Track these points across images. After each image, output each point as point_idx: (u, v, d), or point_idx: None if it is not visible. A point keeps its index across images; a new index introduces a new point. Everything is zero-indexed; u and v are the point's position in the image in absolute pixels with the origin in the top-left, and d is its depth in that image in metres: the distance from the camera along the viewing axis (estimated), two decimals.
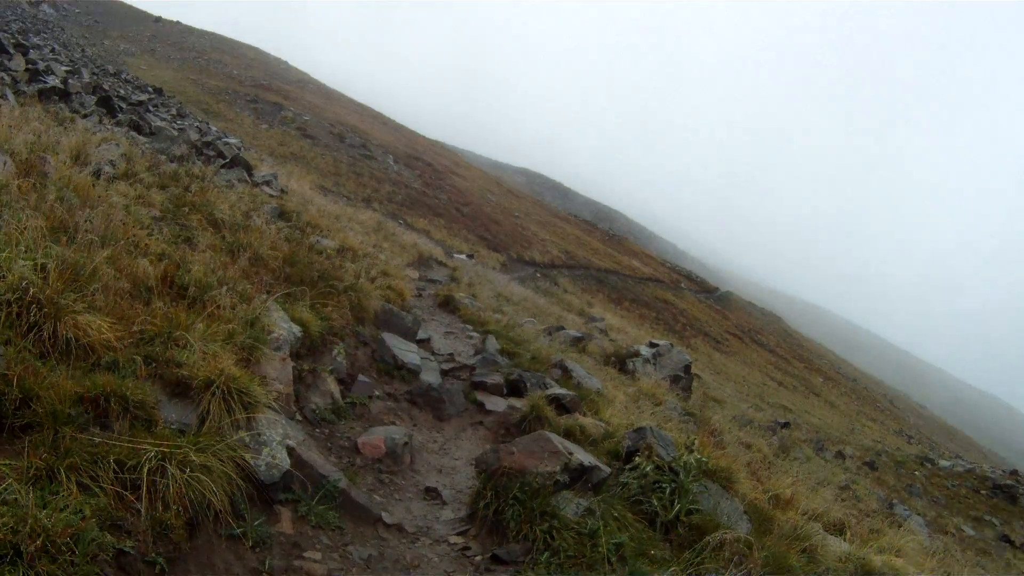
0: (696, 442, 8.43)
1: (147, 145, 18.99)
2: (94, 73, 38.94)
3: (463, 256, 40.01)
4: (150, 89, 44.13)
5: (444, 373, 12.53)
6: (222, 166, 22.17)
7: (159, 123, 26.09)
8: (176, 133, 24.13)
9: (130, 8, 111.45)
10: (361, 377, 10.14)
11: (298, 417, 8.12)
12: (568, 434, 9.21)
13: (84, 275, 6.49)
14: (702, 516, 7.33)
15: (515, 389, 11.76)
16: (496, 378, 11.79)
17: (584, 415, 10.61)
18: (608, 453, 8.85)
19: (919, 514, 23.76)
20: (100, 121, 20.93)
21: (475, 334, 15.99)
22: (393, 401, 10.34)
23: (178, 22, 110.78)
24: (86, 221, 7.80)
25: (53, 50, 41.39)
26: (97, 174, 11.50)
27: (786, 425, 27.76)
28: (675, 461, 7.84)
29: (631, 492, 7.58)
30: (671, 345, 22.42)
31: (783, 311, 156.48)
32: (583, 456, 7.73)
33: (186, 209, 11.99)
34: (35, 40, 43.30)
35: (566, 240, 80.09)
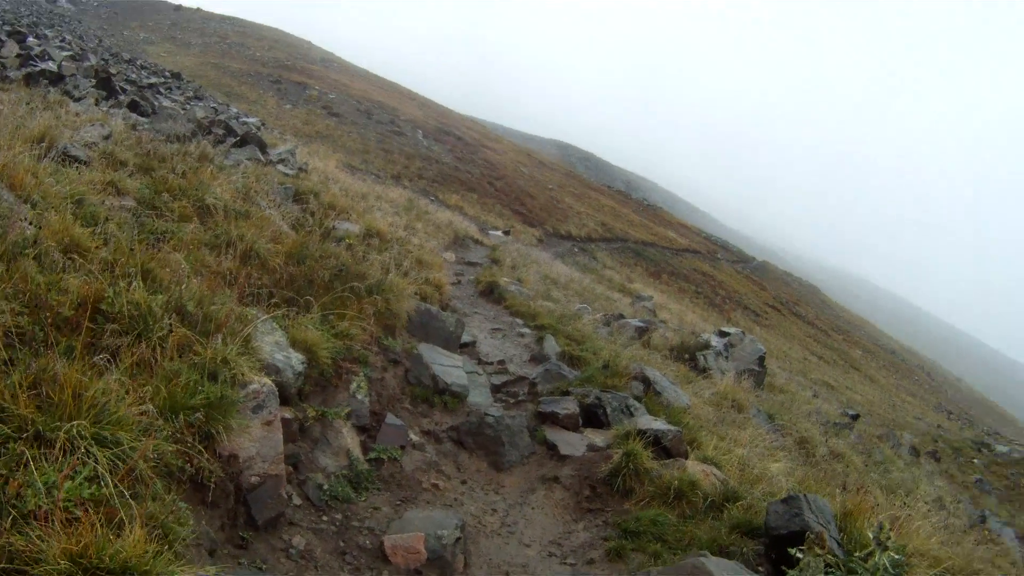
0: (887, 528, 5.66)
1: (146, 126, 16.92)
2: (104, 59, 37.43)
3: (499, 233, 38.48)
4: (167, 74, 43.85)
5: (496, 390, 10.10)
6: (233, 145, 20.27)
7: (166, 103, 24.21)
8: (182, 112, 21.98)
9: None
10: (389, 419, 7.60)
11: (296, 500, 5.59)
12: (679, 496, 6.77)
13: None
14: None
15: (592, 417, 9.20)
16: (568, 405, 9.13)
17: (687, 456, 8.09)
18: (737, 528, 6.35)
19: (1007, 525, 21.67)
20: (97, 103, 19.17)
21: (527, 330, 13.61)
22: (434, 443, 7.89)
23: (199, 9, 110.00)
24: None
25: (64, 39, 40.50)
26: (65, 158, 9.33)
27: (856, 417, 25.70)
28: (857, 563, 5.25)
29: None
30: (743, 334, 20.01)
31: (819, 281, 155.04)
32: None
33: (166, 196, 9.53)
34: (46, 32, 42.50)
35: (601, 212, 77.90)
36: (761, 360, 19.49)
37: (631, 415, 9.11)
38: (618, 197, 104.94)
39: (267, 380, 5.85)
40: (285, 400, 6.29)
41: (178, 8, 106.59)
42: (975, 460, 37.03)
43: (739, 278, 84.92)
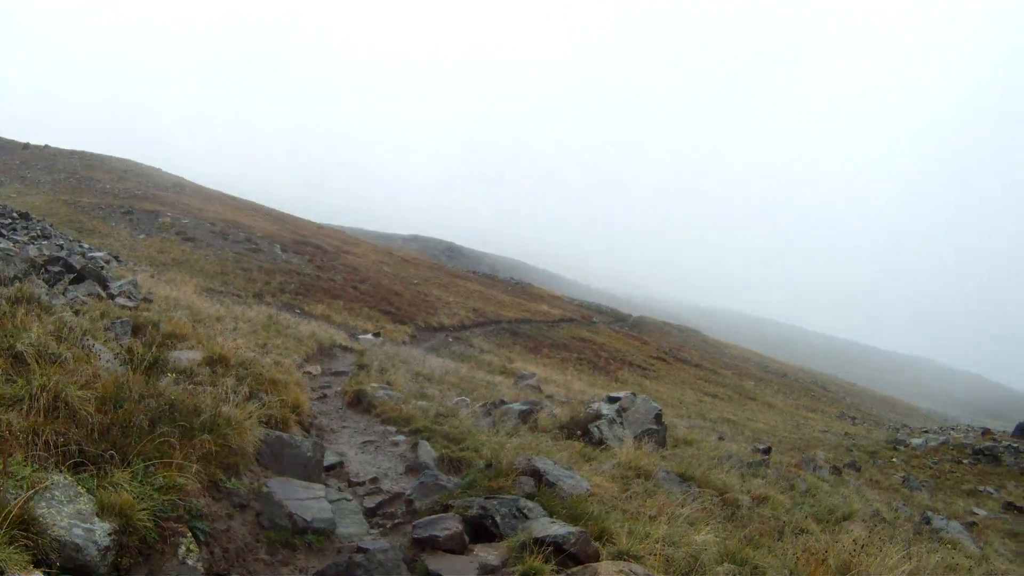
0: None
1: None
2: None
3: (369, 336, 38.02)
4: (14, 214, 42.32)
5: (371, 513, 8.97)
6: (71, 282, 19.18)
7: (2, 244, 22.90)
8: (14, 253, 20.77)
9: None
10: None
11: None
12: None
13: None
14: None
15: (481, 530, 7.95)
16: (449, 524, 7.76)
17: (599, 557, 7.06)
18: None
19: (949, 518, 21.87)
20: None
21: (401, 437, 12.61)
22: None
23: (47, 145, 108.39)
24: None
25: None
26: None
27: (768, 451, 25.22)
28: None
29: None
30: (633, 395, 19.18)
31: (698, 324, 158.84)
32: None
33: None
34: None
35: (471, 298, 78.02)
36: (658, 418, 18.69)
37: (525, 518, 7.99)
38: (485, 281, 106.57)
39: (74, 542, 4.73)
40: None
41: (26, 147, 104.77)
42: (894, 459, 37.93)
43: (619, 337, 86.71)
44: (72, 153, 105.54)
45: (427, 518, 8.02)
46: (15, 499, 4.95)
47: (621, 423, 17.38)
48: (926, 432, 49.43)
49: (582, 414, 17.57)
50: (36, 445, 6.21)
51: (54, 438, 6.37)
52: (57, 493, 5.47)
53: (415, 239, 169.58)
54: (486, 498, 8.42)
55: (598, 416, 17.14)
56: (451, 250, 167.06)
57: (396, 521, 8.64)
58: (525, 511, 8.13)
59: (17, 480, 5.36)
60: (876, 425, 64.16)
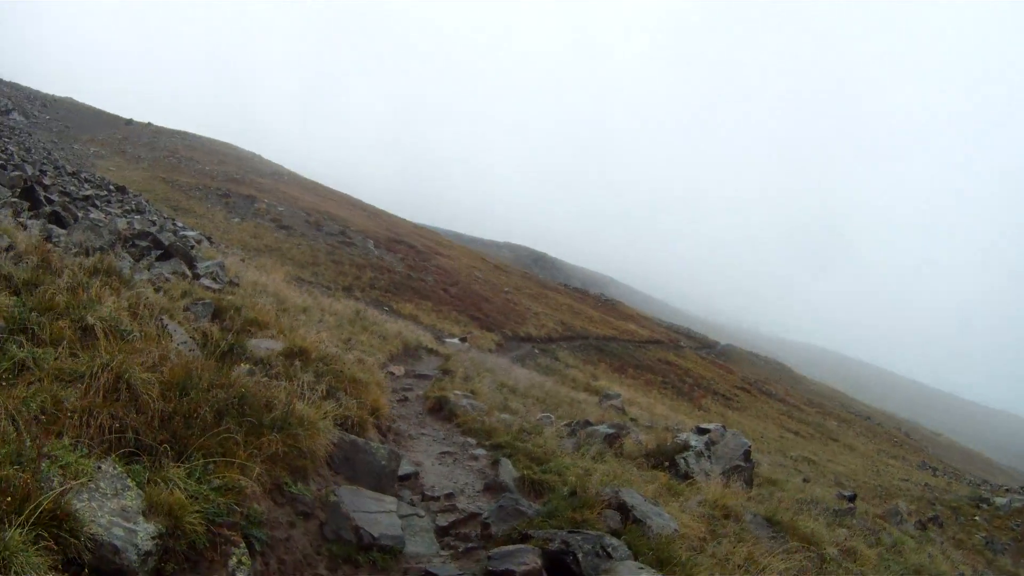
0: None
1: (62, 238, 15.98)
2: (42, 170, 36.50)
3: (455, 340, 37.59)
4: (111, 187, 43.36)
5: (443, 532, 8.33)
6: (157, 258, 19.09)
7: (96, 216, 22.81)
8: (103, 224, 20.56)
9: (101, 112, 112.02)
10: None
11: None
12: None
13: None
14: None
15: (560, 567, 7.22)
16: (528, 558, 7.07)
17: None
18: None
19: None
20: (16, 214, 17.90)
21: (481, 451, 11.97)
22: None
23: (149, 123, 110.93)
24: None
25: (6, 151, 39.76)
26: None
27: (853, 498, 24.31)
28: None
29: None
30: (723, 428, 18.33)
31: (785, 357, 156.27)
32: None
33: (36, 315, 7.87)
34: None
35: (560, 311, 77.54)
36: (747, 455, 17.81)
37: (609, 557, 7.29)
38: (575, 295, 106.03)
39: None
40: None
41: (129, 122, 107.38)
42: (976, 517, 36.42)
43: (705, 364, 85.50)
44: (174, 133, 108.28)
45: (504, 548, 7.33)
46: (51, 490, 4.42)
47: (709, 457, 16.60)
48: (1009, 491, 47.91)
49: (669, 443, 16.81)
50: (90, 428, 5.72)
51: (109, 422, 5.86)
52: (103, 484, 4.94)
53: (507, 246, 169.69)
54: (569, 531, 7.69)
55: (686, 447, 16.37)
56: (543, 261, 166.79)
57: (469, 545, 7.98)
58: (609, 550, 7.41)
59: (60, 466, 4.85)
60: (956, 478, 62.29)
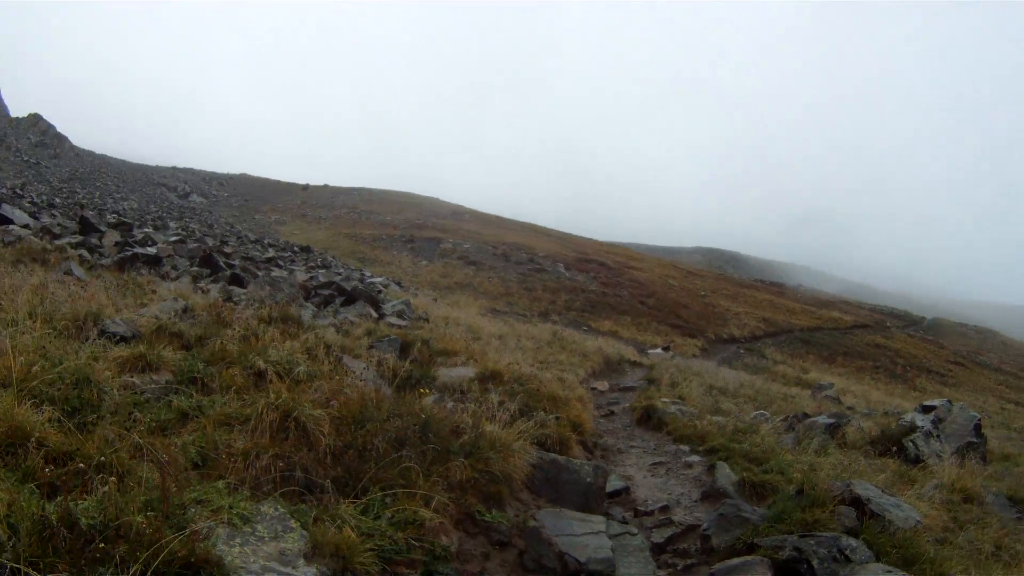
0: None
1: (243, 296, 16.54)
2: (223, 240, 38.63)
3: (658, 350, 37.14)
4: (296, 248, 45.69)
5: (659, 550, 7.46)
6: (341, 304, 19.78)
7: (276, 273, 23.25)
8: (282, 279, 20.98)
9: (276, 182, 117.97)
10: None
11: None
12: None
13: None
14: None
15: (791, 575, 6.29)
16: (756, 570, 6.16)
17: None
18: None
19: None
20: (195, 280, 18.81)
21: (695, 457, 11.09)
22: None
23: (326, 185, 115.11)
24: None
25: (187, 228, 43.15)
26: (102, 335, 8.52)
27: None
28: None
29: None
30: (949, 404, 16.92)
31: (995, 322, 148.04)
32: None
33: (205, 366, 7.61)
34: (170, 223, 45.65)
35: (760, 307, 76.32)
36: (978, 429, 16.34)
37: (848, 560, 6.23)
38: (773, 289, 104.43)
39: None
40: None
41: (306, 187, 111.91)
42: None
43: (914, 342, 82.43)
44: (351, 190, 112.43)
45: (728, 563, 6.37)
46: (201, 539, 3.84)
47: (938, 436, 15.27)
48: None
49: (894, 427, 15.54)
50: (253, 470, 5.19)
51: (274, 462, 5.32)
52: (259, 528, 4.36)
53: (699, 251, 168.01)
54: (800, 535, 6.67)
55: (912, 429, 15.07)
56: (736, 260, 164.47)
57: (689, 562, 7.07)
58: (847, 552, 6.35)
59: (212, 510, 4.31)
60: None
